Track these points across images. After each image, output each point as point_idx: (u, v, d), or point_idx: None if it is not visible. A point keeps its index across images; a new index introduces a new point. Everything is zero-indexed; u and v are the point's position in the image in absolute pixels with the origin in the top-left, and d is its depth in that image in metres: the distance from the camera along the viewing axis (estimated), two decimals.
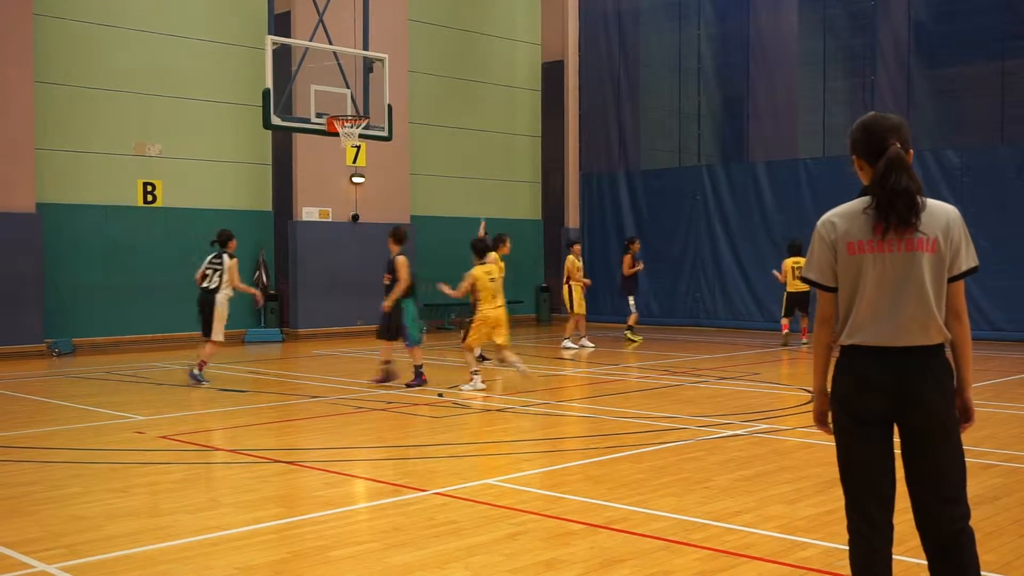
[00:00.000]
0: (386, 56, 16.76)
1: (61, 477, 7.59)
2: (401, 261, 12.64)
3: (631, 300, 19.12)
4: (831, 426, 3.89)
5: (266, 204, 20.85)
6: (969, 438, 8.72)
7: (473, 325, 12.61)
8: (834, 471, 7.77)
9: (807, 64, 21.47)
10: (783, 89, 21.81)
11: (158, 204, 19.09)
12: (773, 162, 21.41)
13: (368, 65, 16.72)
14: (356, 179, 21.21)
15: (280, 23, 17.93)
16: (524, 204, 25.39)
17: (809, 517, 6.13)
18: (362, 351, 17.71)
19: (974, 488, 6.88)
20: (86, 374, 14.59)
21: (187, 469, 8.04)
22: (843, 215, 3.74)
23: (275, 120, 15.36)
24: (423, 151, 22.91)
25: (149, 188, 19.02)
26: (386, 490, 7.05)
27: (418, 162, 22.79)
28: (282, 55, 16.20)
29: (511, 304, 17.56)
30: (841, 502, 6.66)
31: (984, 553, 5.38)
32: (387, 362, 12.89)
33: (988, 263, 18.42)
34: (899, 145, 3.68)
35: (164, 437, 9.30)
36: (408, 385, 12.50)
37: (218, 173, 20.03)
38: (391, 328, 12.66)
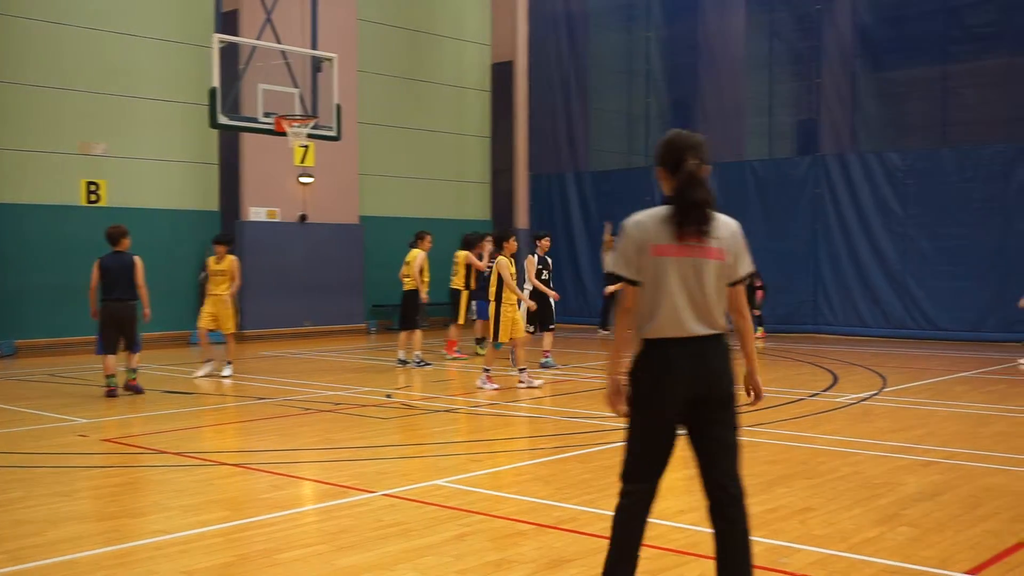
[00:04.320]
0: (335, 55, 16.68)
1: (2, 481, 7.44)
2: (139, 263, 11.94)
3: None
4: (623, 408, 4.29)
5: (213, 204, 20.63)
6: (909, 436, 8.91)
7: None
8: (778, 469, 7.89)
9: (754, 67, 21.70)
10: (731, 91, 22.00)
11: (102, 204, 18.80)
12: (721, 164, 21.55)
13: (316, 64, 16.62)
14: (304, 179, 21.07)
15: (227, 21, 17.74)
16: (474, 205, 25.37)
17: (754, 515, 6.13)
18: (311, 352, 17.61)
19: (915, 485, 7.01)
20: (28, 376, 14.34)
21: (131, 472, 7.94)
22: (651, 218, 4.18)
23: (222, 119, 15.21)
24: (372, 151, 22.81)
25: (92, 188, 18.73)
26: (334, 492, 7.02)
27: (367, 162, 22.68)
28: (229, 54, 16.01)
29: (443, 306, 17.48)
30: (785, 500, 6.77)
31: (923, 549, 5.49)
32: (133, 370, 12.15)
33: (930, 265, 18.88)
34: (697, 161, 4.13)
35: (107, 440, 9.17)
36: (133, 389, 11.97)
37: (164, 172, 19.78)
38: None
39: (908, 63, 19.69)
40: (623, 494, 4.29)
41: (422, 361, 14.90)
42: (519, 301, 13.04)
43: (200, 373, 13.76)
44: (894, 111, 20.13)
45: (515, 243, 12.86)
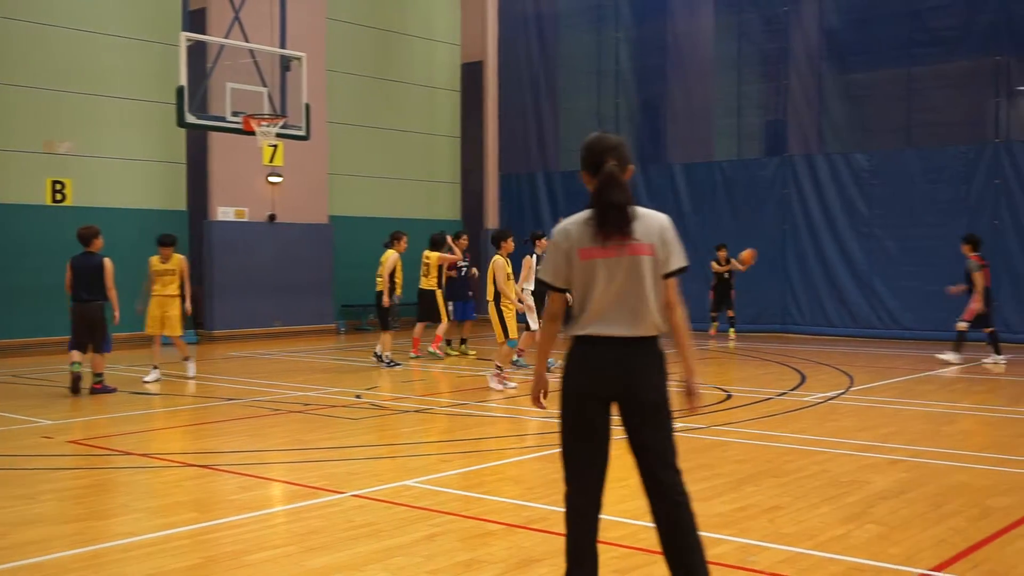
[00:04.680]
0: (304, 55, 16.60)
1: None
2: (108, 265, 12.06)
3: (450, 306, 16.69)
4: (543, 403, 4.62)
5: (180, 203, 20.46)
6: (876, 434, 8.99)
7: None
8: (747, 468, 7.93)
9: (722, 68, 21.83)
10: (699, 92, 22.11)
11: (67, 203, 18.60)
12: (690, 164, 21.70)
13: (285, 63, 16.54)
14: (273, 179, 20.96)
15: (195, 19, 17.60)
16: (444, 205, 25.34)
17: (723, 514, 6.23)
18: (280, 352, 17.53)
19: (881, 483, 7.08)
20: None
21: (97, 474, 7.87)
22: (575, 224, 4.24)
23: (189, 118, 15.10)
24: (342, 151, 22.73)
25: (58, 187, 18.52)
26: (303, 493, 6.99)
27: (337, 162, 22.60)
28: (197, 52, 15.90)
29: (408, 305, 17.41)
30: (753, 498, 6.81)
31: (890, 546, 5.54)
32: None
33: (896, 265, 19.06)
34: (616, 163, 4.19)
35: (73, 441, 9.08)
36: (100, 391, 12.05)
37: (131, 172, 19.60)
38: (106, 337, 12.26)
39: (873, 65, 19.88)
40: (566, 496, 4.39)
41: (392, 362, 14.87)
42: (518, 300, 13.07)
43: (149, 378, 13.20)
44: (860, 112, 20.30)
45: (512, 243, 12.98)
